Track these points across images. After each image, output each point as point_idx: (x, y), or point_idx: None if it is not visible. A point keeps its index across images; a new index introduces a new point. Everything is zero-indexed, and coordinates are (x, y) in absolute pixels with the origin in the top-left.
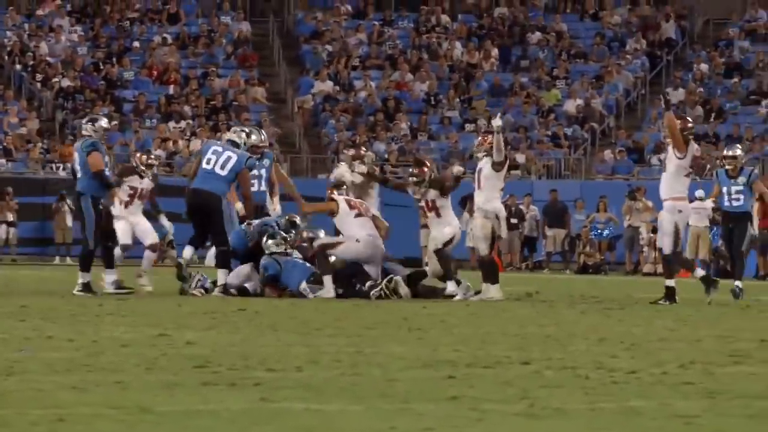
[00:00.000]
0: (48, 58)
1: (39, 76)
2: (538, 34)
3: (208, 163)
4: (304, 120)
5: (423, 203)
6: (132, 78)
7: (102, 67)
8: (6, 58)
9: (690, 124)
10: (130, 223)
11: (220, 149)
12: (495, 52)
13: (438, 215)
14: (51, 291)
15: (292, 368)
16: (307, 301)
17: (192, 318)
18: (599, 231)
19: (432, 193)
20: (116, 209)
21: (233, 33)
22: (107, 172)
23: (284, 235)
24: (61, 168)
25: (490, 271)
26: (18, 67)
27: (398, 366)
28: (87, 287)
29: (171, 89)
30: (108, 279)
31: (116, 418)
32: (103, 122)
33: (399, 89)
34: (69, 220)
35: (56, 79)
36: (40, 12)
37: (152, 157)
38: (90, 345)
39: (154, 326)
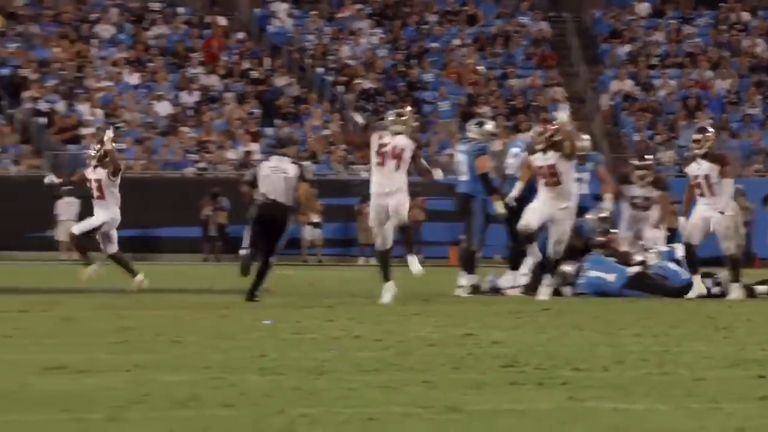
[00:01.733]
0: (349, 61)
1: (341, 79)
2: None
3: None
4: (604, 120)
5: None
6: (432, 79)
7: (402, 69)
8: (308, 61)
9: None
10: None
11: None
12: None
13: None
14: (356, 292)
15: (598, 367)
16: (611, 300)
17: (497, 318)
18: None
19: None
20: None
21: (532, 33)
22: (491, 176)
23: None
24: (363, 169)
25: (737, 268)
26: (320, 70)
27: (705, 365)
28: (476, 288)
29: (470, 90)
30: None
31: (425, 417)
32: (490, 126)
33: (699, 87)
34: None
35: (357, 81)
36: (340, 15)
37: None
38: (397, 345)
39: (459, 326)
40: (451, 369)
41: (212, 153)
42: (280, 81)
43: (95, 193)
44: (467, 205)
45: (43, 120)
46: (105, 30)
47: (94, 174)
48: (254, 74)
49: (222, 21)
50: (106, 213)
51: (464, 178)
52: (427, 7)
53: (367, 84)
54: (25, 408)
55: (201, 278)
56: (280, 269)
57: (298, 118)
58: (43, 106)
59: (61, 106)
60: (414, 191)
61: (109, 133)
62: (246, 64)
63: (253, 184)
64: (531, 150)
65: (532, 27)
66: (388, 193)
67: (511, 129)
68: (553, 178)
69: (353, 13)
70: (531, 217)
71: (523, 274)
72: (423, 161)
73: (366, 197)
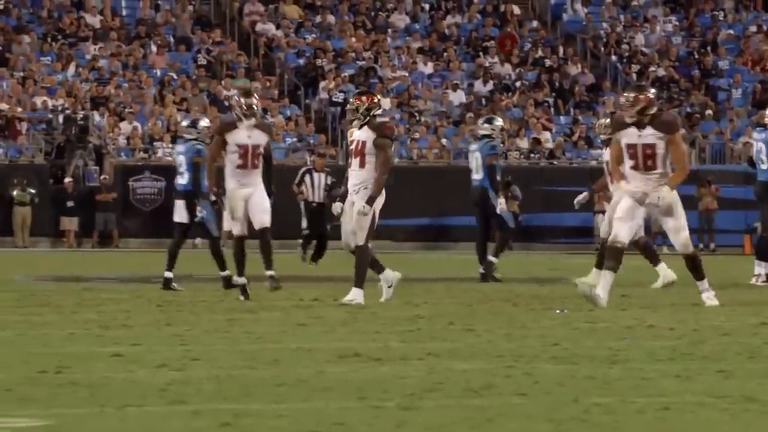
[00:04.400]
0: (643, 49)
1: (634, 67)
2: None
3: None
4: None
5: None
6: (726, 67)
7: (696, 57)
8: (602, 49)
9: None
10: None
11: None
12: None
13: None
14: (650, 280)
15: None
16: None
17: None
18: None
19: None
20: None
21: None
22: None
23: None
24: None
25: None
26: (613, 58)
27: None
28: None
29: (765, 77)
30: None
31: (721, 407)
32: None
33: None
34: None
35: (651, 69)
36: (635, 3)
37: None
38: (691, 334)
39: (755, 315)
40: (747, 358)
41: (505, 141)
42: (573, 69)
43: None
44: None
45: (338, 110)
46: (400, 20)
47: None
48: (548, 63)
49: (516, 10)
50: None
51: (765, 166)
52: None
53: (661, 72)
54: (321, 395)
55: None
56: (573, 258)
57: (591, 107)
58: (338, 96)
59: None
60: (707, 179)
61: None
62: (540, 53)
63: None
64: None
65: None
66: (355, 191)
67: None
68: None
69: (649, 0)
70: None
71: None
72: (387, 157)
73: None
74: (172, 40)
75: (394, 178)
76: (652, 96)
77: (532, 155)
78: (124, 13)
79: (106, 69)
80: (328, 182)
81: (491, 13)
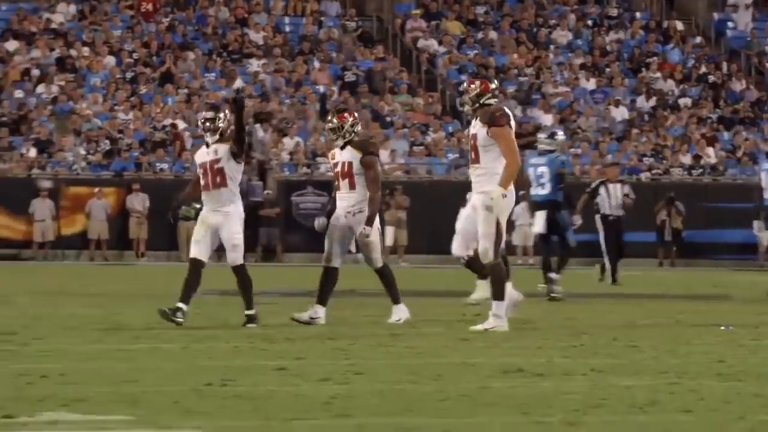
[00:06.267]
0: None
1: None
2: None
3: None
4: None
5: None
6: None
7: None
8: (767, 65)
9: None
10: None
11: None
12: None
13: None
14: None
15: None
16: None
17: None
18: None
19: None
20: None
21: None
22: None
23: None
24: None
25: None
26: None
27: None
28: None
29: None
30: None
31: None
32: None
33: None
34: None
35: None
36: None
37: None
38: None
39: None
40: None
41: (668, 157)
42: (737, 85)
43: None
44: None
45: None
46: (562, 36)
47: None
48: (711, 79)
49: (679, 26)
50: None
51: None
52: None
53: None
54: (485, 410)
55: (656, 283)
56: (737, 274)
57: (756, 123)
58: None
59: (517, 111)
60: None
61: None
62: (703, 69)
63: None
64: None
65: None
66: (350, 213)
67: None
68: None
69: None
70: None
71: None
72: (376, 174)
73: None
74: (334, 56)
75: None
76: (490, 85)
77: (694, 171)
78: (287, 29)
79: (269, 85)
80: (626, 192)
81: (654, 29)
